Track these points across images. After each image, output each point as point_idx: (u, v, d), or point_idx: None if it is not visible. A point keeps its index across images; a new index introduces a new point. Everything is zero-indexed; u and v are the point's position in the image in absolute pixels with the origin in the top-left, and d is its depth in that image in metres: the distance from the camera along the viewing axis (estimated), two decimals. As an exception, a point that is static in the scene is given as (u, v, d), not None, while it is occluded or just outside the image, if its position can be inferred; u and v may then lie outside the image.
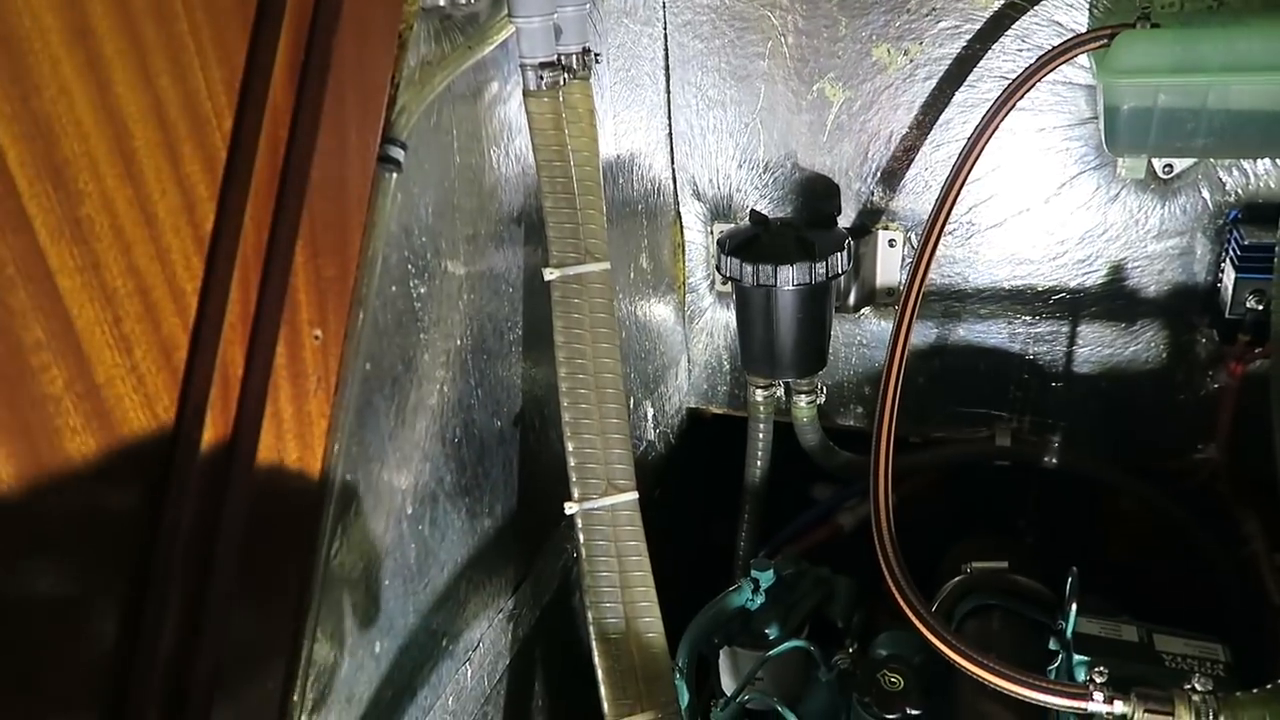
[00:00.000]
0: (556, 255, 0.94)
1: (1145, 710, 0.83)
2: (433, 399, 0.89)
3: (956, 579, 1.16)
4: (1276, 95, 0.99)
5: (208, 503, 0.63)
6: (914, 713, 1.01)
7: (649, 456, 1.45)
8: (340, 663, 0.78)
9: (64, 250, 0.53)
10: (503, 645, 1.06)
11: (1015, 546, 1.27)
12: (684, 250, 1.49)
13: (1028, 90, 1.11)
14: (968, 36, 1.24)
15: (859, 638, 1.18)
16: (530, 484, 1.08)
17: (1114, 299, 1.31)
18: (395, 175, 0.76)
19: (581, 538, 0.93)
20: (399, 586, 0.86)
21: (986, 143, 1.13)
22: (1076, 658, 0.97)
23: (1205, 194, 1.22)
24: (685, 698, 1.11)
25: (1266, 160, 1.18)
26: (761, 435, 1.46)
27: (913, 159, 1.32)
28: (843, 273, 1.28)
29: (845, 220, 1.38)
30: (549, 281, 0.94)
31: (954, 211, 1.18)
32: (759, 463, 1.48)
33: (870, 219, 1.37)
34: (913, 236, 1.36)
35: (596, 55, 1.00)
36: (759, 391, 1.43)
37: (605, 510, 0.94)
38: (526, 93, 0.93)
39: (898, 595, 0.97)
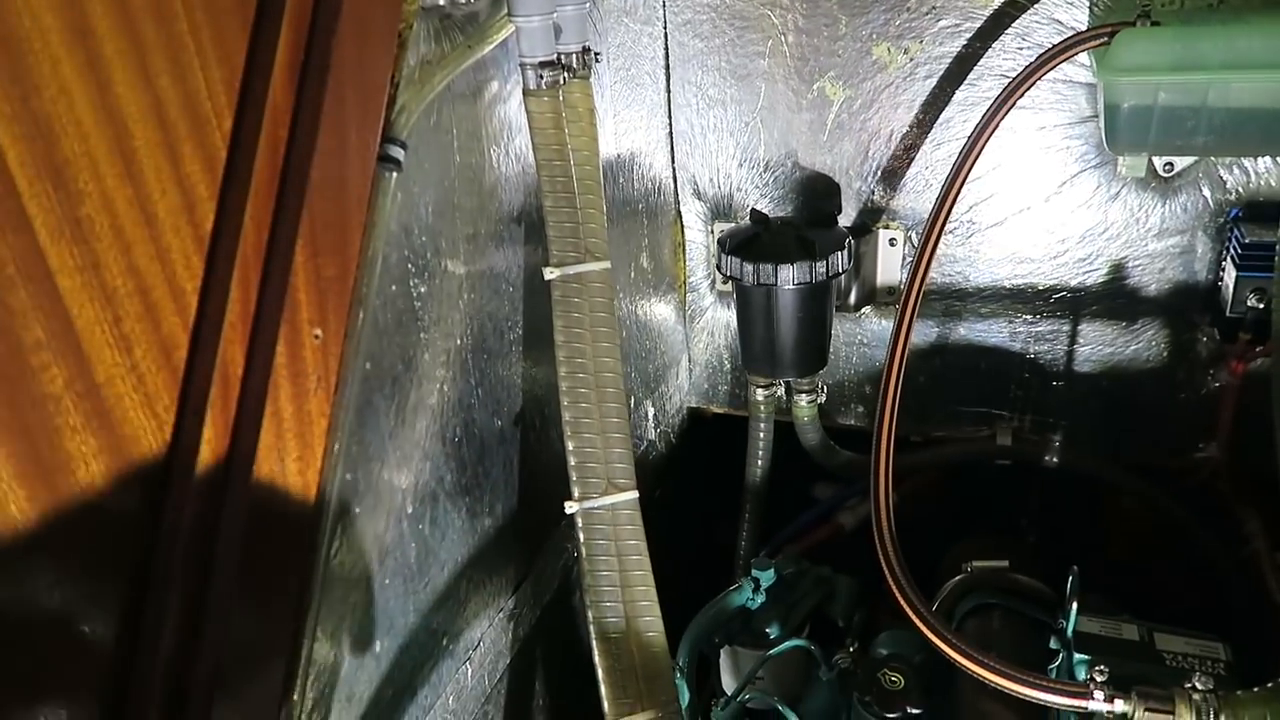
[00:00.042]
0: (556, 254, 0.94)
1: (1146, 709, 0.83)
2: (433, 398, 0.89)
3: (957, 578, 1.15)
4: (1277, 93, 0.99)
5: (208, 502, 0.63)
6: (915, 712, 1.01)
7: (650, 456, 1.45)
8: (340, 662, 0.78)
9: (64, 250, 0.53)
10: (503, 644, 1.06)
11: (1016, 545, 1.27)
12: (684, 249, 1.49)
13: (1028, 88, 1.11)
14: (968, 35, 1.23)
15: (860, 637, 1.18)
16: (531, 483, 1.08)
17: (1115, 297, 1.31)
18: (395, 174, 0.76)
19: (582, 537, 0.94)
20: (399, 586, 0.86)
21: (987, 141, 1.13)
22: (1077, 656, 0.97)
23: (1206, 192, 1.22)
24: (686, 697, 1.11)
25: (1267, 158, 1.18)
26: (762, 434, 1.46)
27: (913, 157, 1.32)
28: (843, 272, 1.28)
29: (846, 219, 1.38)
30: (549, 281, 0.94)
31: (954, 210, 1.18)
32: (760, 462, 1.48)
33: (871, 218, 1.37)
34: (913, 235, 1.36)
35: (596, 54, 1.00)
36: (760, 391, 1.43)
37: (605, 509, 0.94)
38: (526, 92, 0.93)
39: (898, 594, 0.97)
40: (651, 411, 1.45)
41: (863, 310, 1.43)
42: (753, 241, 1.28)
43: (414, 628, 0.89)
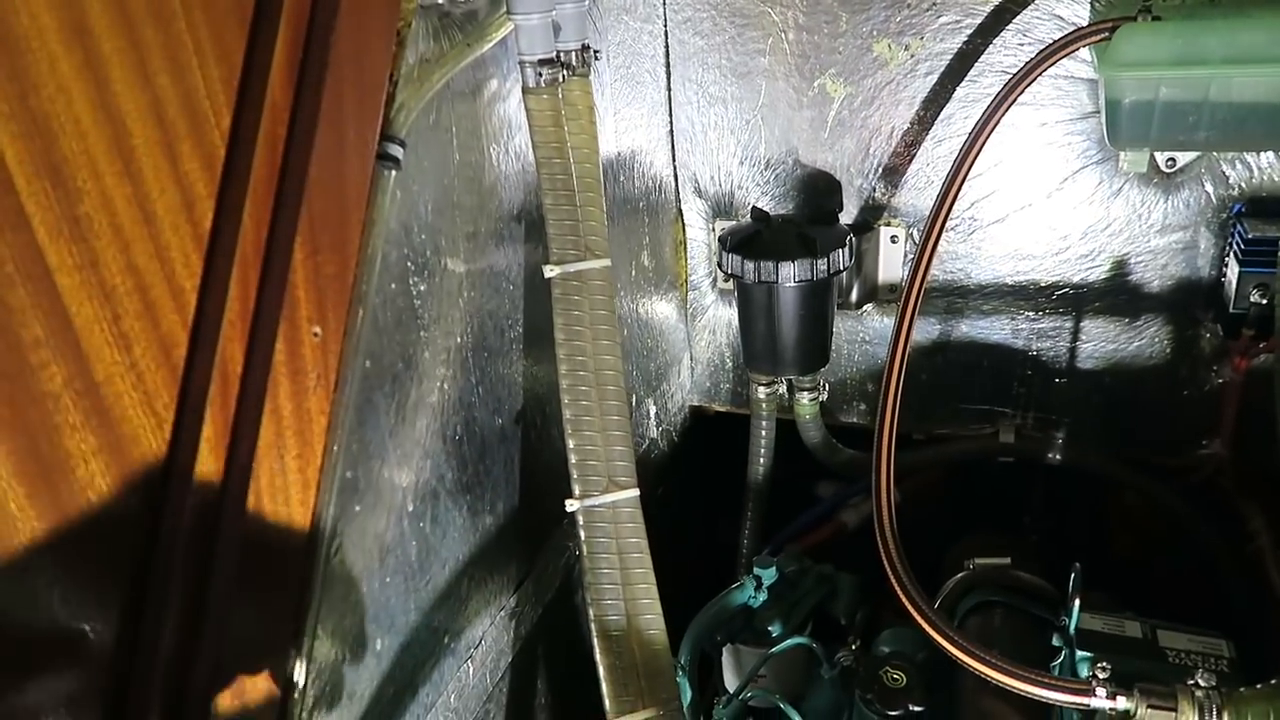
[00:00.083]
0: (557, 252, 0.94)
1: (1148, 706, 0.83)
2: (433, 396, 0.89)
3: (959, 575, 1.15)
4: (1279, 88, 0.99)
5: (208, 500, 0.63)
6: (917, 709, 1.01)
7: (651, 454, 1.45)
8: (341, 660, 0.78)
9: (63, 248, 0.53)
10: (505, 643, 1.06)
11: (1018, 543, 1.27)
12: (686, 247, 1.49)
13: (1029, 85, 1.10)
14: (968, 31, 1.23)
15: (862, 635, 1.18)
16: (532, 481, 1.08)
17: (1117, 294, 1.31)
18: (394, 173, 0.76)
19: (583, 535, 0.93)
20: (400, 584, 0.86)
21: (988, 138, 1.12)
22: (1079, 654, 0.96)
23: (1209, 188, 1.21)
24: (688, 695, 1.11)
25: (1270, 154, 1.17)
26: (764, 433, 1.46)
27: (914, 155, 1.32)
28: (844, 269, 1.28)
29: (847, 216, 1.37)
30: (549, 278, 0.94)
31: (956, 207, 1.18)
32: (762, 460, 1.48)
33: (872, 215, 1.37)
34: (915, 232, 1.36)
35: (596, 52, 1.00)
36: (761, 389, 1.42)
37: (606, 507, 0.94)
38: (526, 90, 0.93)
39: (900, 592, 0.97)
40: (653, 410, 1.45)
41: (864, 308, 1.43)
42: (754, 239, 1.28)
43: (415, 626, 0.89)
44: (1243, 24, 0.98)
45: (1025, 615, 1.10)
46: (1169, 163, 1.20)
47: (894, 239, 1.37)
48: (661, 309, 1.44)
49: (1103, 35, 1.04)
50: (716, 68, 1.35)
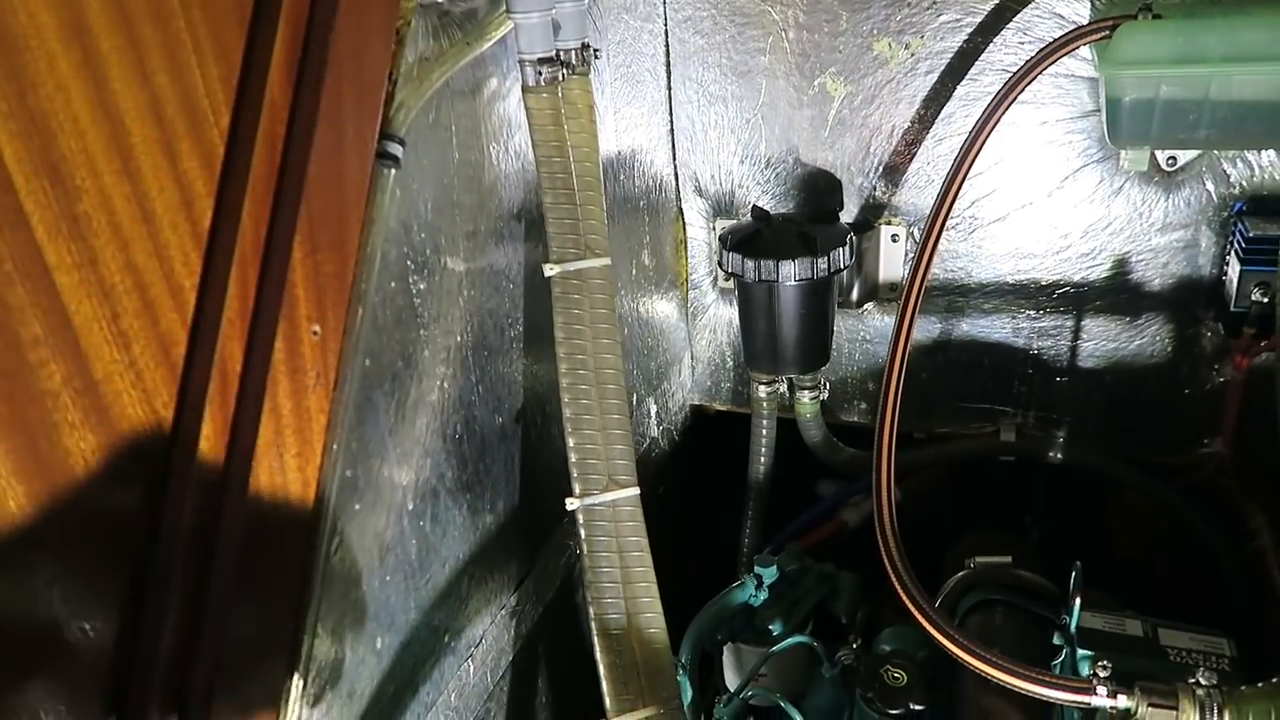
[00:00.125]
0: (556, 251, 0.94)
1: (1149, 704, 0.83)
2: (433, 395, 0.89)
3: (960, 574, 1.15)
4: (1279, 85, 0.98)
5: (207, 499, 0.63)
6: (917, 708, 1.01)
7: (652, 453, 1.45)
8: (341, 659, 0.78)
9: (61, 246, 0.53)
10: (505, 641, 1.06)
11: (1019, 541, 1.27)
12: (686, 246, 1.49)
13: (1029, 83, 1.10)
14: (969, 30, 1.23)
15: (862, 634, 1.18)
16: (532, 480, 1.08)
17: (1118, 293, 1.31)
18: (394, 171, 0.76)
19: (583, 533, 0.93)
20: (400, 582, 0.86)
21: (988, 136, 1.12)
22: (1080, 652, 0.96)
23: (1209, 186, 1.21)
24: (689, 694, 1.11)
25: (1271, 152, 1.17)
26: (765, 431, 1.46)
27: (915, 153, 1.32)
28: (845, 268, 1.28)
29: (847, 215, 1.37)
30: (549, 277, 0.94)
31: (956, 206, 1.17)
32: (762, 459, 1.48)
33: (872, 214, 1.37)
34: (915, 231, 1.36)
35: (596, 51, 1.00)
36: (762, 388, 1.42)
37: (606, 506, 0.94)
38: (525, 89, 0.93)
39: (900, 591, 0.96)
40: (654, 409, 1.45)
41: (865, 306, 1.43)
42: (754, 238, 1.28)
43: (415, 624, 0.89)
44: (1243, 22, 0.98)
45: (1026, 614, 1.10)
46: (1170, 161, 1.20)
47: (894, 237, 1.37)
48: (662, 308, 1.44)
49: (1103, 33, 1.04)
50: (717, 66, 1.35)
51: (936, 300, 1.38)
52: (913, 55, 1.26)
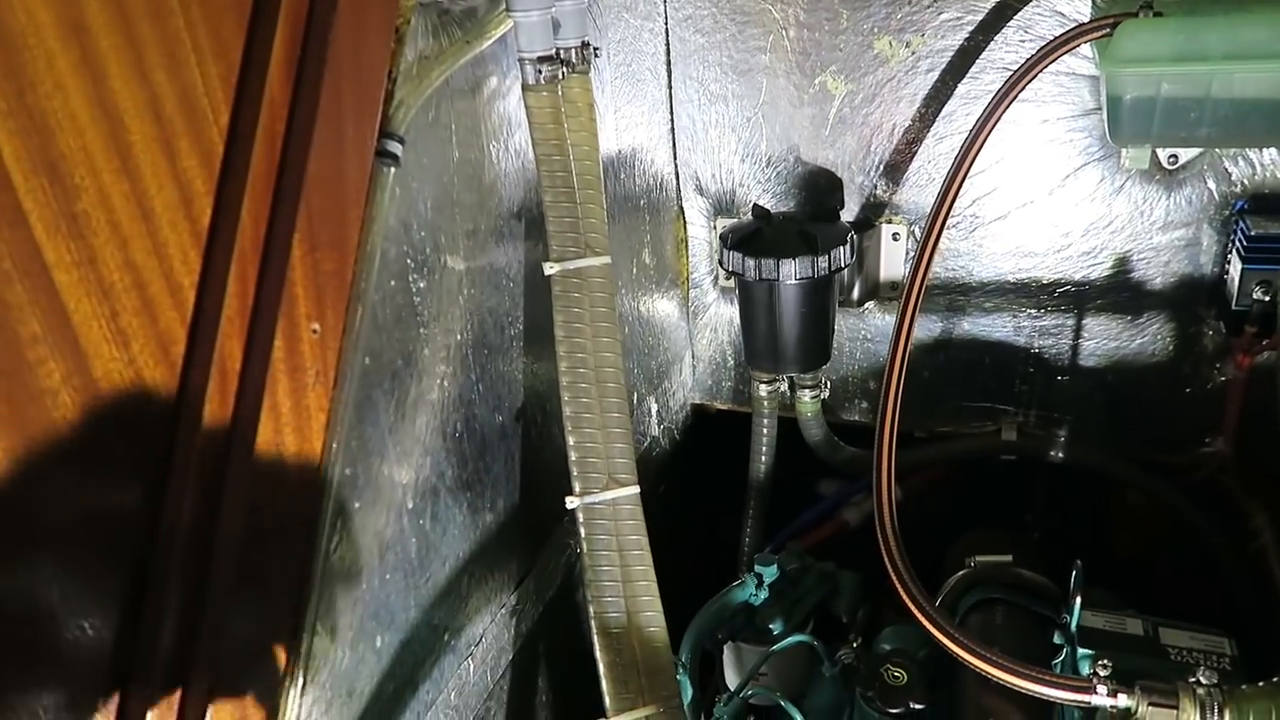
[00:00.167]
0: (557, 250, 0.94)
1: (1150, 703, 0.83)
2: (433, 394, 0.89)
3: (961, 573, 1.15)
4: (1281, 84, 0.98)
5: (206, 497, 0.63)
6: (918, 707, 1.01)
7: (653, 452, 1.45)
8: (341, 657, 0.78)
9: (60, 245, 0.53)
10: (505, 640, 1.06)
11: (1020, 540, 1.27)
12: (687, 245, 1.49)
13: (1030, 81, 1.10)
14: (970, 28, 1.23)
15: (863, 633, 1.18)
16: (532, 479, 1.08)
17: (1119, 291, 1.30)
18: (393, 170, 0.76)
19: (583, 532, 0.93)
20: (400, 581, 0.86)
21: (989, 135, 1.12)
22: (1081, 651, 0.96)
23: (1211, 184, 1.21)
24: (689, 693, 1.11)
25: (1273, 150, 1.17)
26: (766, 431, 1.46)
27: (915, 152, 1.31)
28: (846, 267, 1.28)
29: (848, 214, 1.37)
30: (549, 276, 0.94)
31: (957, 204, 1.17)
32: (763, 458, 1.47)
33: (873, 212, 1.37)
34: (916, 230, 1.36)
35: (595, 49, 1.00)
36: (763, 387, 1.42)
37: (606, 504, 0.94)
38: (525, 87, 0.92)
39: (901, 590, 0.96)
40: (655, 408, 1.45)
41: (866, 305, 1.43)
42: (755, 237, 1.28)
43: (415, 623, 0.89)
44: (1244, 20, 0.97)
45: (1027, 613, 1.09)
46: (1171, 159, 1.20)
47: (895, 236, 1.37)
48: (663, 307, 1.44)
49: (1104, 31, 1.03)
50: (717, 65, 1.35)
51: (937, 299, 1.38)
52: (913, 53, 1.26)
